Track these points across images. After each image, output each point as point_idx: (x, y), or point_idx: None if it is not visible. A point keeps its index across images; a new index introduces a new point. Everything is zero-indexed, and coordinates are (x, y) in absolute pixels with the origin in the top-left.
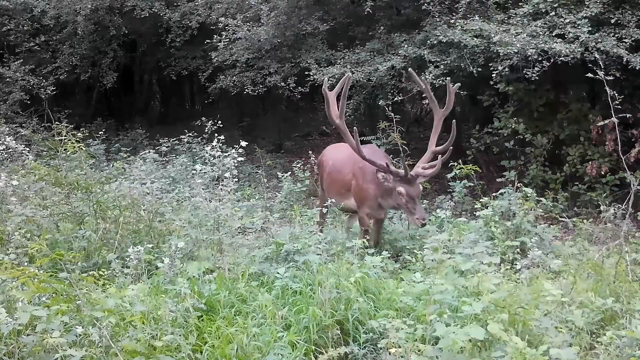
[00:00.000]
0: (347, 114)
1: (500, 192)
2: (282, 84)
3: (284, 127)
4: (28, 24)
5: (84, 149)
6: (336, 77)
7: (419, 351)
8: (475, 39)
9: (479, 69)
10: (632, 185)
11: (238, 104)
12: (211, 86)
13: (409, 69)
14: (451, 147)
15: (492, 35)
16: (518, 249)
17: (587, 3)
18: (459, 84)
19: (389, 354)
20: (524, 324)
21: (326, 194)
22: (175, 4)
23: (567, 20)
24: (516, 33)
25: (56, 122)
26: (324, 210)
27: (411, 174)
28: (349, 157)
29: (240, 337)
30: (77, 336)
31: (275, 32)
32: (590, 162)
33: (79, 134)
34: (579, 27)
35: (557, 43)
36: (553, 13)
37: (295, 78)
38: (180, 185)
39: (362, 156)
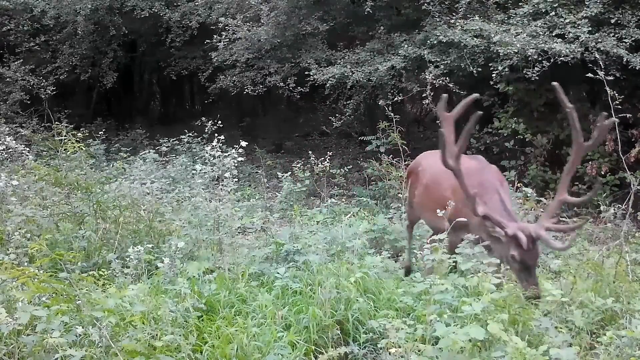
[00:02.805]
0: (347, 114)
1: None
2: (282, 84)
3: (284, 127)
4: (28, 24)
5: (84, 149)
6: (336, 77)
7: (419, 351)
8: (475, 39)
9: (479, 69)
10: (632, 185)
11: (238, 104)
12: (211, 86)
13: (554, 83)
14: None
15: (492, 35)
16: None
17: (587, 3)
18: (614, 119)
19: (389, 354)
20: (524, 324)
21: (416, 211)
22: (175, 4)
23: (567, 20)
24: (516, 33)
25: (56, 122)
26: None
27: (533, 235)
28: None
29: (240, 337)
30: (77, 336)
31: (275, 32)
32: (590, 162)
33: (79, 134)
34: (579, 27)
35: (557, 43)
36: (553, 13)
37: (295, 78)
38: (180, 185)
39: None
